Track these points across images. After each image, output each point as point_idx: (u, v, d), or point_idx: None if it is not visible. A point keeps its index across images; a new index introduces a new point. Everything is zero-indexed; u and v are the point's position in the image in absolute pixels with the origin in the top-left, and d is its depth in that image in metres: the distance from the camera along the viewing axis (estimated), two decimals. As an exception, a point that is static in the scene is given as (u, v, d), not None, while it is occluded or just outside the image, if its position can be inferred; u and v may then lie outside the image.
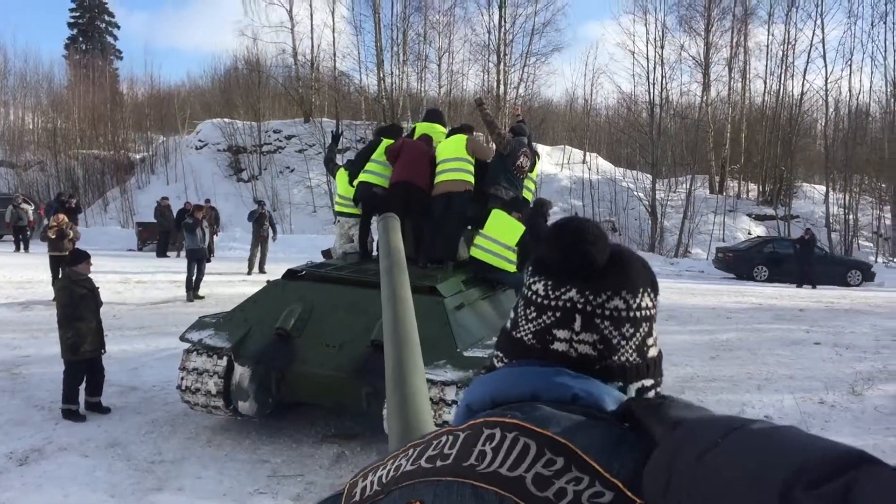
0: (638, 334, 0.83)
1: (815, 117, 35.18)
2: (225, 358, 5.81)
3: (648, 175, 31.87)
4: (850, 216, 29.84)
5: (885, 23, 31.46)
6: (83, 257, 6.76)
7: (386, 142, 7.53)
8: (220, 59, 56.28)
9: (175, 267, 17.26)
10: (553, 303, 0.84)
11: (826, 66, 32.03)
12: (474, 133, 8.32)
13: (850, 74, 32.32)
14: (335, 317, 5.89)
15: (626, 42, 34.69)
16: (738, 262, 23.29)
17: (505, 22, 33.05)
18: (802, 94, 32.28)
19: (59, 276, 11.77)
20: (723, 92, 33.90)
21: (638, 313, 0.83)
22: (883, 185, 31.14)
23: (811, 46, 31.83)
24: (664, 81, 33.03)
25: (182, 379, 5.91)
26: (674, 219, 30.42)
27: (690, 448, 0.61)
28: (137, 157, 35.66)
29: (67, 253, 11.80)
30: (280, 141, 34.38)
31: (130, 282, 15.07)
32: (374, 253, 7.83)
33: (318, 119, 34.27)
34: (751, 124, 33.79)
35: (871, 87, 35.80)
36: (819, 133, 35.31)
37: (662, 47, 32.91)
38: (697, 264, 26.51)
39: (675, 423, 0.66)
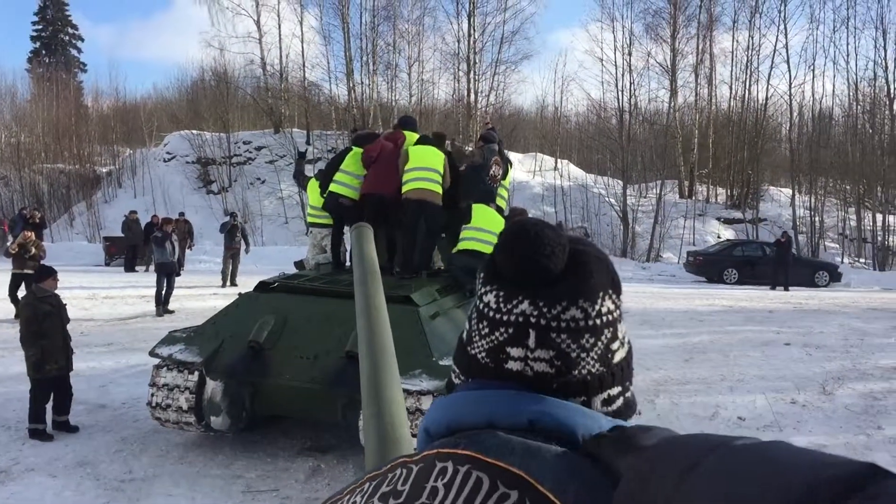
0: (600, 343, 0.77)
1: (780, 121, 35.79)
2: (196, 373, 5.72)
3: (619, 181, 32.16)
4: (817, 218, 30.33)
5: (846, 27, 32.09)
6: (48, 273, 6.64)
7: (357, 150, 7.48)
8: (187, 71, 55.74)
9: (144, 281, 17.02)
10: (505, 317, 0.77)
11: (790, 70, 32.74)
12: (447, 142, 8.34)
13: (814, 79, 32.98)
14: (309, 328, 5.83)
15: (595, 49, 35.25)
16: (709, 266, 23.56)
17: (474, 31, 33.21)
18: (767, 98, 32.84)
19: (17, 293, 11.59)
20: (690, 98, 34.36)
21: (598, 321, 0.76)
22: (847, 188, 31.70)
23: (775, 52, 32.40)
24: (632, 88, 33.48)
25: (152, 395, 5.80)
26: (645, 224, 30.70)
27: (665, 472, 0.57)
28: (104, 170, 35.20)
29: (30, 271, 11.63)
30: (250, 152, 34.16)
31: (98, 297, 14.83)
32: (348, 263, 7.79)
33: (288, 129, 34.12)
34: (718, 129, 34.23)
35: (833, 90, 36.44)
36: (784, 137, 35.85)
37: (630, 54, 33.34)
38: (669, 268, 26.77)
39: (643, 448, 0.63)
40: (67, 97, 39.08)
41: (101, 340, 10.31)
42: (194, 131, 34.41)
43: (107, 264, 23.41)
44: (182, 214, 22.55)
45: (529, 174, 34.36)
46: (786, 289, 20.87)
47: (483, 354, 0.80)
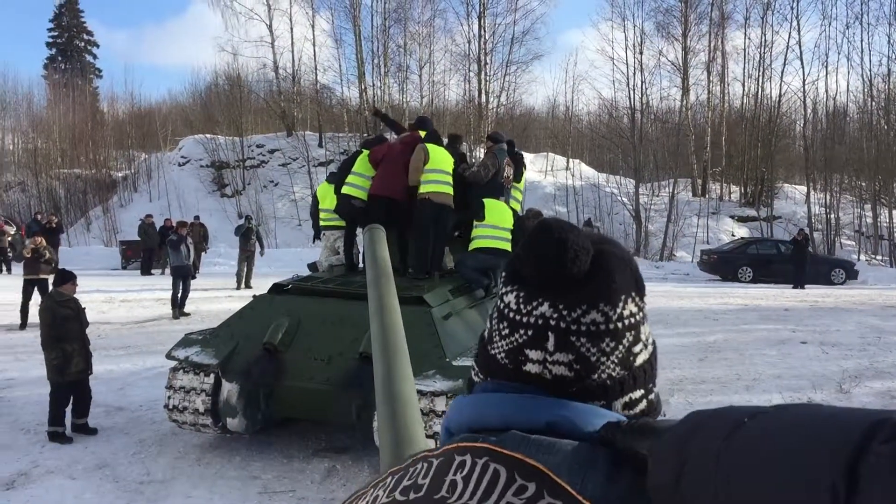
0: (621, 347, 0.75)
1: (794, 118, 35.54)
2: (212, 375, 5.77)
3: (631, 180, 32.03)
4: (832, 215, 30.08)
5: (860, 23, 31.84)
6: (68, 278, 6.70)
7: (366, 153, 7.52)
8: (201, 75, 56.06)
9: (160, 284, 17.13)
10: (525, 319, 0.77)
11: (803, 67, 32.39)
12: (461, 143, 8.36)
13: (827, 75, 32.69)
14: (323, 330, 5.86)
15: (606, 49, 35.15)
16: (723, 264, 23.41)
17: (485, 31, 33.19)
18: (780, 95, 32.62)
19: (29, 304, 11.67)
20: (702, 96, 34.18)
21: (620, 324, 0.75)
22: (863, 184, 31.43)
23: (788, 48, 32.18)
24: (644, 87, 33.36)
25: (169, 398, 5.86)
26: (658, 223, 30.56)
27: (709, 432, 0.57)
28: (119, 175, 35.45)
29: (42, 276, 11.73)
30: (263, 155, 34.30)
31: (115, 301, 14.95)
32: (361, 265, 7.83)
33: (300, 132, 34.25)
34: (731, 127, 34.04)
35: (847, 87, 36.19)
36: (798, 134, 35.60)
37: (641, 53, 33.22)
38: (683, 267, 26.65)
39: (663, 430, 0.63)
40: (83, 103, 39.43)
41: (119, 343, 10.40)
42: (208, 135, 34.58)
43: (123, 268, 23.56)
44: (197, 218, 22.69)
45: (541, 174, 34.30)
46: (801, 287, 20.72)
47: (503, 355, 0.79)
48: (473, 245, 7.21)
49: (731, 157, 33.61)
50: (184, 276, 13.33)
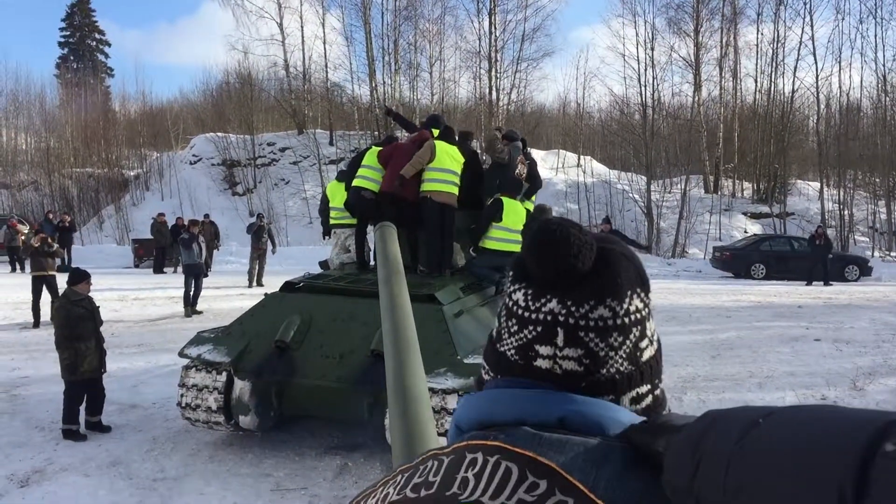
0: (628, 342, 0.77)
1: (807, 114, 35.31)
2: (224, 373, 5.79)
3: (643, 176, 31.93)
4: (846, 212, 29.89)
5: (874, 18, 31.62)
6: (82, 277, 6.73)
7: (376, 148, 7.53)
8: (212, 74, 56.36)
9: (172, 283, 17.22)
10: (534, 315, 0.78)
11: (816, 63, 32.21)
12: (472, 139, 8.36)
13: (840, 71, 32.51)
14: (334, 328, 5.87)
15: (617, 45, 34.99)
16: (736, 261, 23.30)
17: (495, 28, 33.15)
18: (793, 91, 32.42)
19: (39, 301, 11.76)
20: (714, 92, 34.03)
21: (626, 319, 0.76)
22: (877, 180, 31.21)
23: (801, 44, 32.01)
24: (655, 83, 33.24)
25: (182, 396, 5.88)
26: (670, 219, 30.46)
27: (723, 431, 0.57)
28: (131, 173, 35.64)
29: (49, 272, 11.81)
30: (274, 153, 34.39)
31: (128, 299, 15.03)
32: (372, 263, 7.84)
33: (311, 130, 34.30)
34: (743, 123, 33.86)
35: (861, 82, 35.84)
36: (811, 130, 35.36)
37: (653, 49, 33.08)
38: (695, 264, 26.53)
39: (679, 427, 0.64)
40: (95, 102, 39.67)
41: (132, 341, 10.46)
42: (219, 134, 34.71)
43: (136, 266, 23.69)
44: (208, 216, 22.77)
45: (552, 171, 34.22)
46: (809, 283, 20.59)
47: (512, 352, 0.80)
48: (485, 244, 7.21)
49: (744, 154, 33.46)
50: (196, 275, 13.39)
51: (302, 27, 34.42)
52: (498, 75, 33.37)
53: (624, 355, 0.77)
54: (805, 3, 31.76)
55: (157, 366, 8.96)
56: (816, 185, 32.00)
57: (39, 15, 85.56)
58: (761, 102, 33.59)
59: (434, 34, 34.31)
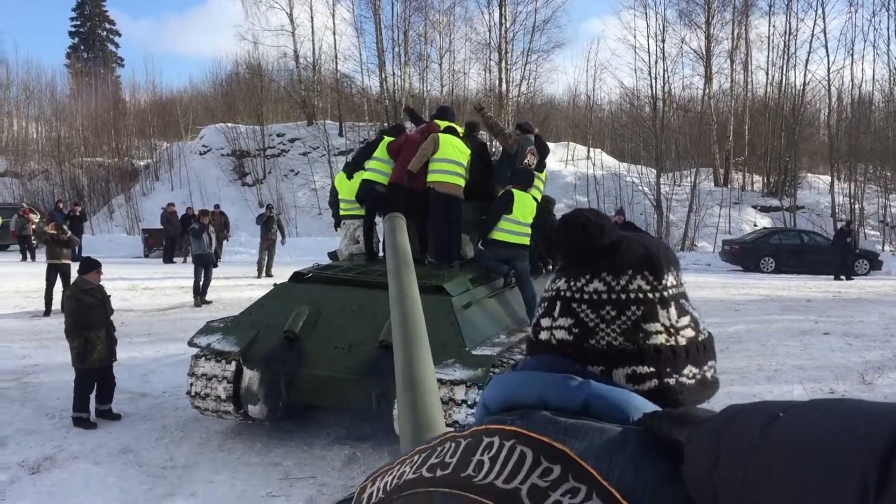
0: (623, 317, 0.79)
1: (819, 107, 35.07)
2: (234, 362, 5.82)
3: (653, 169, 31.78)
4: (856, 205, 29.71)
5: (886, 10, 31.32)
6: (93, 266, 6.76)
7: (387, 139, 7.53)
8: (222, 64, 56.43)
9: (182, 273, 17.29)
10: (547, 294, 0.85)
11: (828, 55, 32.10)
12: (479, 132, 8.34)
13: (853, 64, 32.20)
14: (343, 318, 5.89)
15: (627, 37, 34.78)
16: (745, 254, 23.22)
17: (505, 20, 33.01)
18: (805, 84, 32.16)
19: (52, 290, 11.83)
20: (725, 84, 33.80)
21: (624, 295, 0.79)
22: (888, 174, 30.99)
23: (812, 36, 31.74)
24: (666, 75, 33.01)
25: (191, 385, 5.92)
26: (679, 212, 30.35)
27: (744, 424, 0.58)
28: (141, 163, 35.74)
29: (64, 261, 11.89)
30: (283, 144, 34.40)
31: (138, 288, 15.11)
32: (381, 254, 7.85)
33: (320, 121, 34.29)
34: (754, 116, 33.65)
35: (873, 75, 35.57)
36: (823, 123, 35.14)
37: (664, 41, 32.86)
38: (704, 257, 26.46)
39: (701, 420, 0.64)
40: (105, 92, 39.77)
41: (142, 330, 10.52)
42: (229, 124, 34.72)
43: (146, 256, 23.81)
44: (217, 207, 22.84)
45: (562, 163, 34.12)
46: (836, 278, 20.44)
47: (531, 331, 0.87)
48: (493, 236, 7.21)
49: (754, 147, 33.25)
50: (205, 265, 13.44)
51: (312, 17, 34.41)
52: (508, 67, 33.24)
53: (618, 330, 0.79)
54: (817, -4, 31.51)
55: (166, 355, 9.02)
56: (827, 178, 31.80)
57: (50, 5, 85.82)
58: (772, 95, 33.37)
59: (444, 25, 34.23)
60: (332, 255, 8.87)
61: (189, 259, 17.38)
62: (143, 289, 15.17)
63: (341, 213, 8.47)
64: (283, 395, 5.89)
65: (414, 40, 33.84)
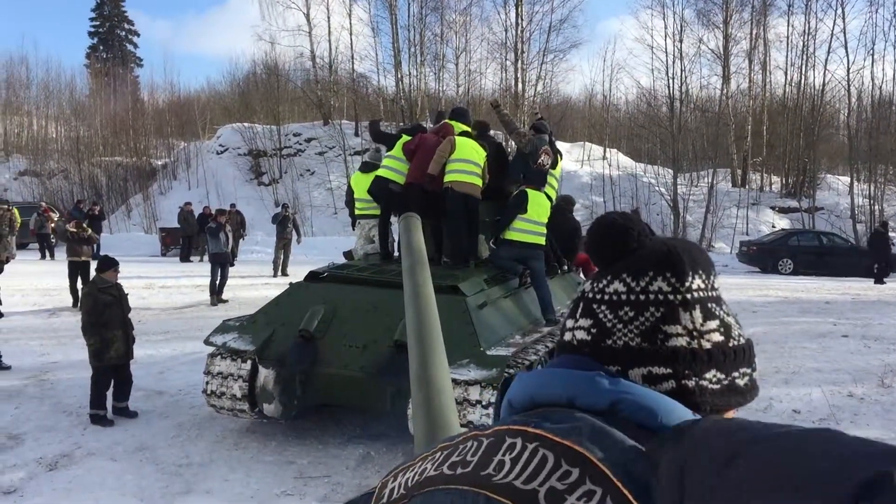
0: (641, 318, 0.79)
1: (838, 108, 34.73)
2: (249, 361, 5.84)
3: (670, 170, 31.63)
4: (876, 207, 29.42)
5: (907, 10, 30.98)
6: (110, 264, 6.80)
7: (404, 138, 7.54)
8: (239, 64, 56.79)
9: (198, 271, 17.39)
10: (575, 297, 0.87)
11: (848, 55, 31.61)
12: (491, 131, 8.34)
13: (873, 63, 31.87)
14: (358, 318, 5.90)
15: (645, 37, 34.54)
16: (763, 256, 23.05)
17: (522, 20, 32.96)
18: (824, 84, 31.90)
19: (76, 284, 12.00)
20: (743, 84, 33.60)
21: (643, 296, 0.80)
22: (909, 175, 30.70)
23: (832, 36, 31.46)
24: (683, 75, 32.84)
25: (207, 383, 5.94)
26: (696, 213, 30.18)
27: (705, 459, 0.58)
28: (159, 163, 35.98)
29: (84, 258, 12.05)
30: (300, 144, 34.53)
31: (155, 287, 15.20)
32: (396, 253, 7.85)
33: (337, 121, 34.37)
34: (772, 116, 33.41)
35: (894, 75, 35.23)
36: (842, 123, 34.82)
37: (681, 41, 32.70)
38: (721, 258, 26.27)
39: (684, 429, 0.65)
40: (124, 92, 40.08)
41: (158, 329, 10.59)
42: (246, 124, 34.89)
43: (163, 254, 23.97)
44: (233, 206, 22.95)
45: (578, 163, 34.02)
46: (878, 281, 20.12)
47: (559, 331, 0.89)
48: (507, 235, 7.19)
49: (773, 147, 33.02)
50: (222, 264, 13.50)
51: (329, 18, 34.51)
52: (524, 67, 33.20)
53: (636, 331, 0.79)
54: (837, -5, 31.22)
55: (182, 353, 9.07)
56: (846, 179, 31.49)
57: (70, 5, 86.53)
58: (791, 95, 33.13)
59: (460, 25, 34.23)
60: (348, 254, 8.89)
61: (205, 258, 17.48)
62: (160, 287, 15.27)
63: (357, 212, 8.49)
64: (297, 394, 5.90)
65: (430, 40, 33.91)
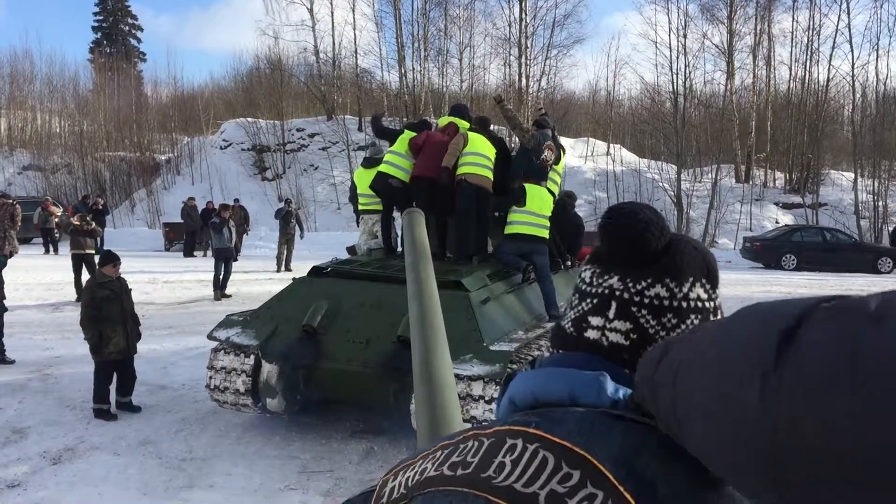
0: (683, 325, 0.78)
1: (842, 103, 34.69)
2: (252, 356, 5.84)
3: (673, 165, 31.58)
4: (880, 203, 29.35)
5: (913, 5, 30.87)
6: (110, 259, 6.79)
7: (408, 133, 7.52)
8: (242, 59, 56.77)
9: (202, 266, 17.41)
10: (594, 290, 0.82)
11: (852, 51, 31.52)
12: (492, 126, 8.34)
13: (878, 59, 31.80)
14: (361, 313, 5.90)
15: (649, 32, 34.52)
16: (766, 251, 23.00)
17: (526, 15, 32.94)
18: (829, 80, 31.83)
19: (81, 278, 12.02)
20: (747, 80, 33.54)
21: (685, 303, 0.78)
22: (914, 171, 30.61)
23: (837, 32, 31.37)
24: (687, 71, 32.78)
25: (210, 378, 5.95)
26: (700, 209, 30.14)
27: (645, 360, 0.63)
28: (163, 158, 35.97)
29: (88, 251, 12.09)
30: (303, 139, 34.54)
31: (158, 282, 15.22)
32: (399, 248, 7.85)
33: (340, 116, 34.38)
34: (776, 112, 33.33)
35: (899, 71, 35.11)
36: (846, 119, 34.75)
37: (685, 36, 32.65)
38: (725, 254, 26.22)
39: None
40: (128, 86, 40.04)
41: (162, 323, 10.60)
42: (249, 119, 34.92)
43: (166, 249, 23.98)
44: (237, 201, 22.96)
45: (581, 159, 34.00)
46: None
47: (569, 325, 0.85)
48: (509, 230, 7.19)
49: (776, 143, 32.95)
50: (225, 259, 13.52)
51: (332, 13, 34.53)
52: (528, 62, 33.18)
53: None
54: (842, -10, 31.11)
55: (186, 348, 9.08)
56: (850, 175, 31.42)
57: None
58: (795, 91, 33.07)
59: (464, 20, 34.23)
60: (351, 249, 8.89)
61: (209, 253, 17.49)
62: (163, 282, 15.29)
63: (360, 207, 8.49)
64: (300, 389, 5.91)
65: (434, 35, 33.90)
